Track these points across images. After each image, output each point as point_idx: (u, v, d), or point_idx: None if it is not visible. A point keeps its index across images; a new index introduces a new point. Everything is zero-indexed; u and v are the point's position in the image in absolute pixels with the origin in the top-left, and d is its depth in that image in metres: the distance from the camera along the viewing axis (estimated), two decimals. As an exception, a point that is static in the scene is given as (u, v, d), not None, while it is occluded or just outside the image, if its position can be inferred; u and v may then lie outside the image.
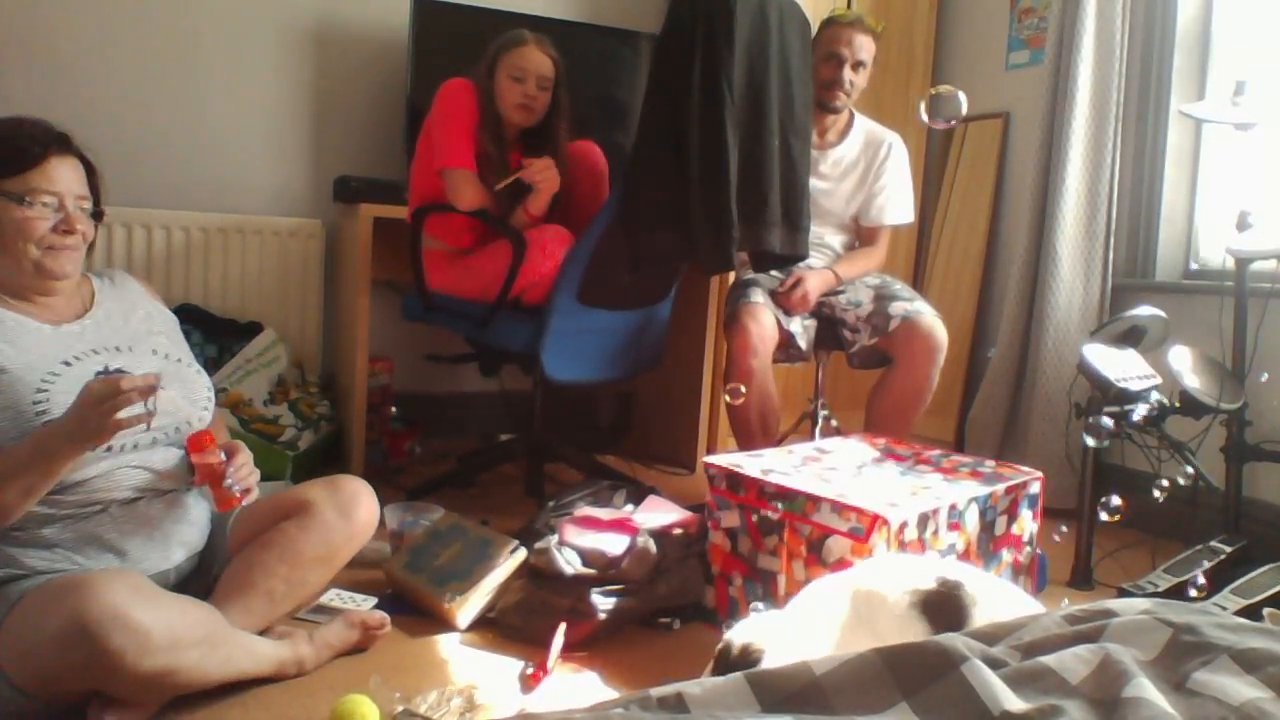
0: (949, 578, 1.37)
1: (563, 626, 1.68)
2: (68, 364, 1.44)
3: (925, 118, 2.57)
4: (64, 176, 1.47)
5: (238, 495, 1.48)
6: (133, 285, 1.69)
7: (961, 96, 2.49)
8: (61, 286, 1.52)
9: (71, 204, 1.47)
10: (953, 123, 2.61)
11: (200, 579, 1.58)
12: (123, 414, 1.30)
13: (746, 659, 1.28)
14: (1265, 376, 2.38)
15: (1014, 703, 0.90)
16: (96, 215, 1.53)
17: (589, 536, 1.88)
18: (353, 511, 1.63)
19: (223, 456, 1.47)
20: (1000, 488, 1.87)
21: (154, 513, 1.49)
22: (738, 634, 1.34)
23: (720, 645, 1.35)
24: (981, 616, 1.29)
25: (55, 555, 1.40)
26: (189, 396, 1.56)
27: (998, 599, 1.35)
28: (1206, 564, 2.14)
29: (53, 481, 1.34)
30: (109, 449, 1.42)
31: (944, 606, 1.30)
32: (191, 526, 1.56)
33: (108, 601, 1.23)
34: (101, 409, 1.29)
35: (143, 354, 1.56)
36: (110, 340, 1.54)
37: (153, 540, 1.48)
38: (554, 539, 1.86)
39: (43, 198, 1.43)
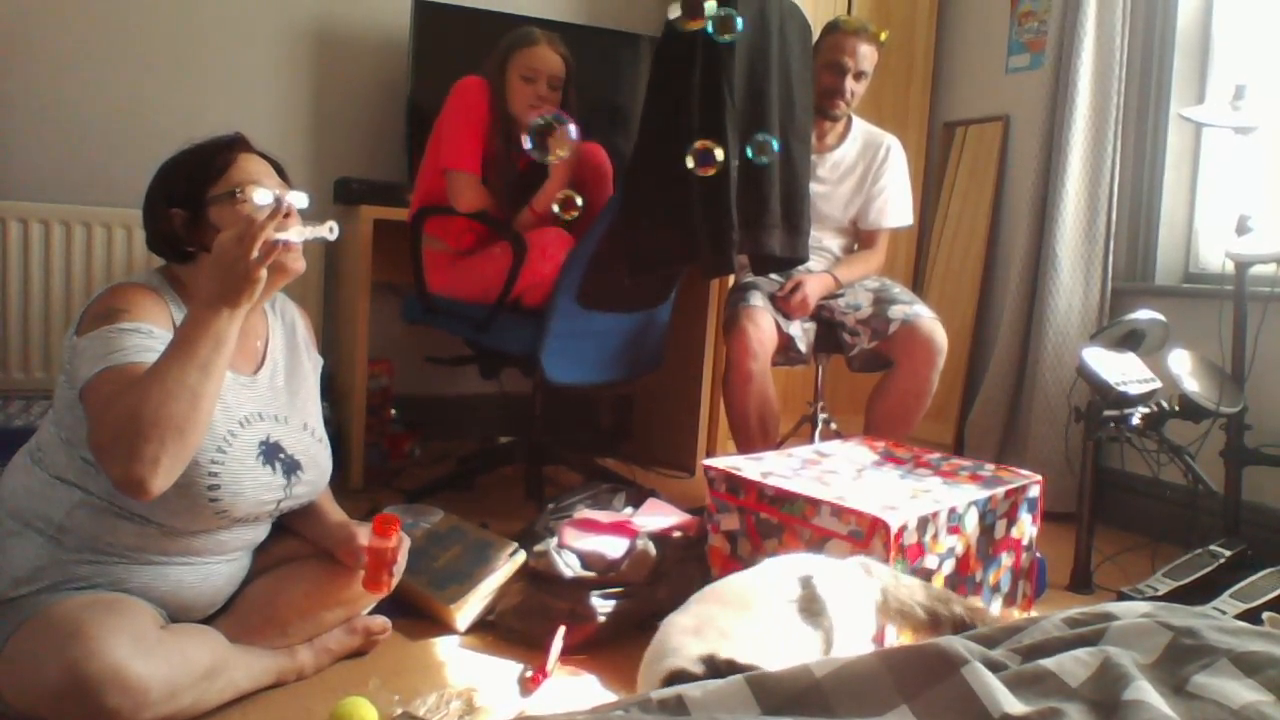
0: (804, 574, 1.37)
1: (562, 629, 1.68)
2: (236, 430, 1.41)
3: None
4: (260, 169, 1.47)
5: (388, 584, 1.50)
6: (300, 328, 1.65)
7: None
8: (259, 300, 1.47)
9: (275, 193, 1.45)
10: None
11: (221, 614, 1.55)
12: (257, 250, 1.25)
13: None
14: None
15: (1014, 705, 0.90)
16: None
17: (588, 539, 1.88)
18: None
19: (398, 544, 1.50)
20: (1000, 491, 1.87)
21: (214, 571, 1.47)
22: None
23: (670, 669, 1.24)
24: (835, 607, 1.31)
25: (101, 582, 1.36)
26: (318, 481, 1.56)
27: (842, 587, 1.36)
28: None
29: (228, 349, 1.27)
30: (236, 520, 1.41)
31: (812, 604, 1.31)
32: (237, 582, 1.54)
33: (107, 660, 1.21)
34: (249, 260, 1.24)
35: (295, 427, 1.53)
36: (272, 405, 1.51)
37: (201, 599, 1.46)
38: (553, 542, 1.86)
39: (249, 190, 1.43)
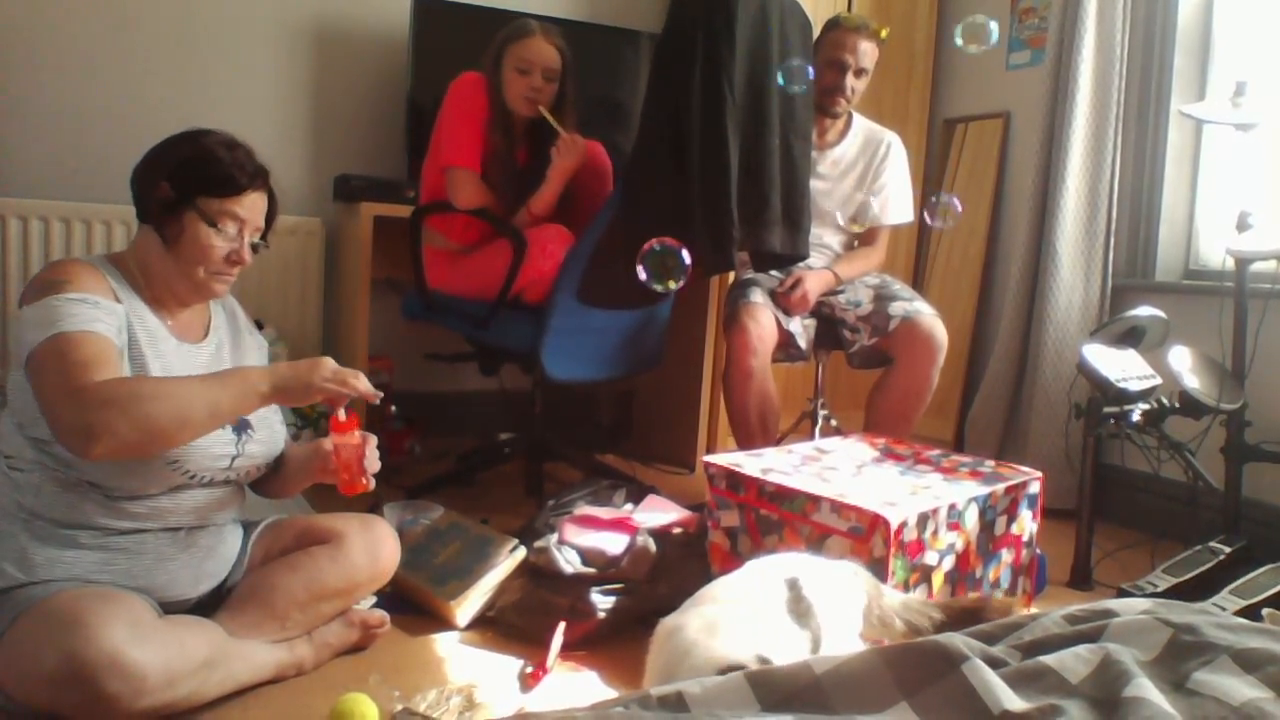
0: (790, 577, 1.36)
1: (562, 625, 1.68)
2: None
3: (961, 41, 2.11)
4: (254, 209, 1.50)
5: (366, 481, 1.50)
6: (240, 313, 1.69)
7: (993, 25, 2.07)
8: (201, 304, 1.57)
9: (248, 236, 1.49)
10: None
11: (217, 603, 1.55)
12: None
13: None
14: None
15: (1014, 702, 0.90)
16: (257, 245, 1.54)
17: (589, 535, 1.88)
18: (379, 553, 1.65)
19: (362, 440, 1.49)
20: (1000, 487, 1.87)
21: (194, 542, 1.49)
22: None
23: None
24: (822, 608, 1.31)
25: (89, 568, 1.38)
26: (271, 441, 1.57)
27: (829, 588, 1.36)
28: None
29: (239, 411, 1.39)
30: (192, 477, 1.42)
31: (799, 604, 1.31)
32: (224, 560, 1.56)
33: (105, 646, 1.23)
34: (321, 383, 1.38)
35: None
36: (217, 369, 1.54)
37: (185, 571, 1.47)
38: (554, 538, 1.86)
39: (229, 225, 1.46)
